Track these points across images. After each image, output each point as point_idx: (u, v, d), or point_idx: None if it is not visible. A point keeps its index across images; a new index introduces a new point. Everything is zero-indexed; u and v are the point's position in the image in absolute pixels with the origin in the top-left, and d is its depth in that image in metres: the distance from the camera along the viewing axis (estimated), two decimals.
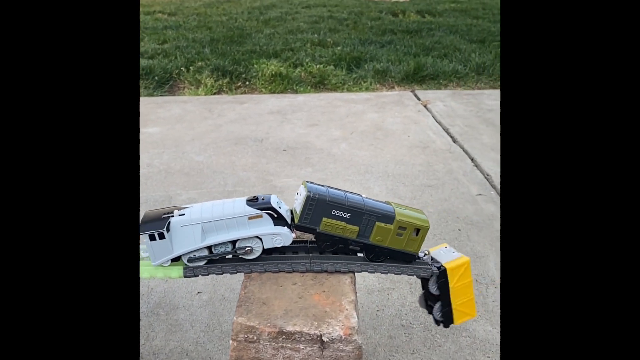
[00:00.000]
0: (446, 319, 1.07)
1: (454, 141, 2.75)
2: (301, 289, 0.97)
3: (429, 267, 1.07)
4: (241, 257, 1.05)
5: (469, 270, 1.05)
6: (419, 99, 3.50)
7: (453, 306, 1.06)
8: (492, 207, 2.05)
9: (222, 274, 1.03)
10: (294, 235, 1.03)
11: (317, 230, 1.00)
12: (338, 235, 1.01)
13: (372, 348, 1.35)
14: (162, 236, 0.97)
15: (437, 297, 1.07)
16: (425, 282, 1.09)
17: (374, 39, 4.83)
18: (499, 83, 3.85)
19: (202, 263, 1.02)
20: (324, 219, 0.99)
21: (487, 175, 2.33)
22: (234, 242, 1.01)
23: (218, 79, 3.73)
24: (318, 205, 0.99)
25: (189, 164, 2.44)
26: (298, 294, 0.95)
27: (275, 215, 1.01)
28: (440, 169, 2.40)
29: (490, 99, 3.47)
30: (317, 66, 3.92)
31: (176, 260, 1.03)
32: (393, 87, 3.79)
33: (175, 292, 1.56)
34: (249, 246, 1.01)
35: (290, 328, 0.86)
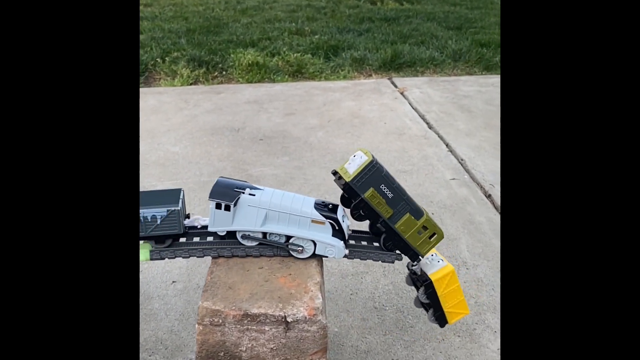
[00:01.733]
0: (440, 321, 1.12)
1: (430, 127, 2.77)
2: (267, 273, 0.98)
3: (392, 254, 1.10)
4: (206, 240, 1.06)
5: (455, 276, 1.09)
6: (396, 86, 3.52)
7: (445, 310, 1.10)
8: (465, 191, 2.08)
9: (189, 257, 1.03)
10: (346, 252, 1.06)
11: (362, 197, 1.02)
12: (375, 209, 1.04)
13: (345, 330, 1.37)
14: (227, 208, 1.00)
15: (429, 304, 1.10)
16: (416, 287, 1.13)
17: (352, 27, 4.82)
18: (475, 69, 3.88)
19: (255, 243, 1.05)
20: (372, 189, 1.02)
21: (461, 160, 2.37)
22: (288, 236, 1.03)
23: (194, 70, 3.70)
24: (374, 173, 1.01)
25: (164, 155, 2.42)
26: (264, 278, 0.96)
27: (336, 227, 1.04)
28: (416, 155, 2.42)
29: (466, 85, 3.50)
30: (295, 55, 3.90)
31: (232, 234, 1.05)
32: (370, 75, 3.80)
33: (149, 282, 1.56)
34: (301, 246, 1.04)
35: (255, 310, 0.87)
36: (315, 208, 1.03)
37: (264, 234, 1.04)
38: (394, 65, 3.85)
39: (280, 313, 0.87)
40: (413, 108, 3.07)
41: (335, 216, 1.04)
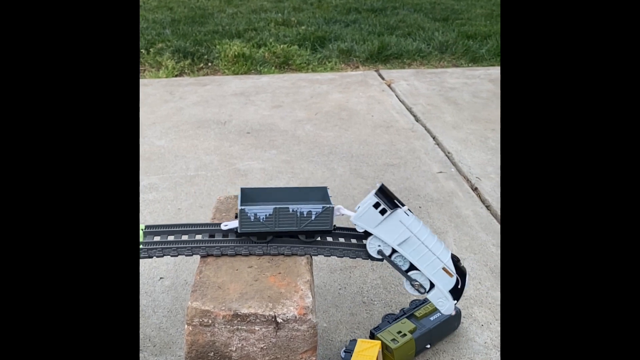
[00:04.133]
0: None
1: (417, 120, 2.78)
2: (257, 272, 0.98)
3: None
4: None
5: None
6: (383, 78, 3.51)
7: None
8: (452, 184, 2.10)
9: (177, 255, 1.03)
10: (453, 312, 1.11)
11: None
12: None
13: (334, 326, 1.38)
14: (383, 212, 1.03)
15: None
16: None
17: (339, 18, 4.79)
18: (462, 61, 3.89)
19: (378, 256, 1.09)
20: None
21: (448, 153, 2.38)
22: (412, 265, 1.07)
23: (179, 61, 3.65)
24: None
25: (149, 149, 2.40)
26: (254, 277, 0.96)
27: (458, 286, 1.08)
28: (403, 148, 2.43)
29: (452, 78, 3.51)
30: (281, 46, 3.87)
31: (367, 234, 1.08)
32: (357, 67, 3.79)
33: None
34: (419, 282, 1.08)
35: (245, 310, 0.87)
36: (451, 259, 1.08)
37: (394, 251, 1.06)
38: (381, 57, 3.84)
39: (271, 313, 0.87)
40: (400, 100, 3.07)
41: (464, 277, 1.09)
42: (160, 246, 1.05)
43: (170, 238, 1.07)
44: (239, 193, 1.09)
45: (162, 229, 1.10)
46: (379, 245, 1.06)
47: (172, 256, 1.05)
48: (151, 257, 1.05)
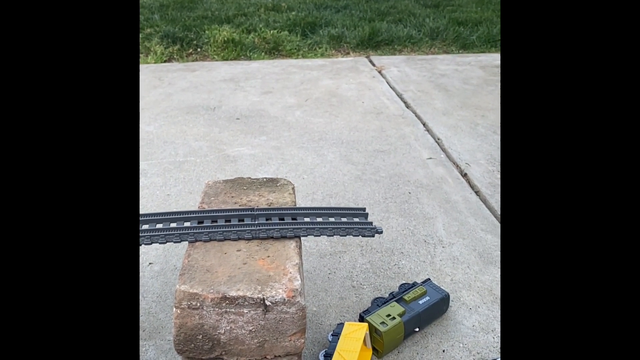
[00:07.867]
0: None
1: (407, 106, 2.78)
2: (246, 255, 0.98)
3: (372, 227, 1.11)
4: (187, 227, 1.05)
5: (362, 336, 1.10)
6: (373, 64, 3.50)
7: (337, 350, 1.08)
8: (441, 170, 2.11)
9: (165, 242, 1.02)
10: None
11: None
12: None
13: (323, 310, 1.39)
14: None
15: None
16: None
17: (330, 3, 4.75)
18: (452, 48, 3.88)
19: None
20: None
21: (438, 139, 2.38)
22: None
23: (168, 46, 3.61)
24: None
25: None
26: (242, 260, 0.96)
27: None
28: (393, 134, 2.43)
29: (443, 64, 3.51)
30: (271, 32, 3.84)
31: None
32: (348, 53, 3.77)
33: None
34: None
35: (233, 293, 0.87)
36: None
37: None
38: (372, 43, 3.82)
39: (259, 295, 0.87)
40: (391, 87, 3.06)
41: None
42: (148, 233, 1.04)
43: (159, 225, 1.06)
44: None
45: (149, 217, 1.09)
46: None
47: (160, 243, 1.04)
48: (140, 244, 1.04)
